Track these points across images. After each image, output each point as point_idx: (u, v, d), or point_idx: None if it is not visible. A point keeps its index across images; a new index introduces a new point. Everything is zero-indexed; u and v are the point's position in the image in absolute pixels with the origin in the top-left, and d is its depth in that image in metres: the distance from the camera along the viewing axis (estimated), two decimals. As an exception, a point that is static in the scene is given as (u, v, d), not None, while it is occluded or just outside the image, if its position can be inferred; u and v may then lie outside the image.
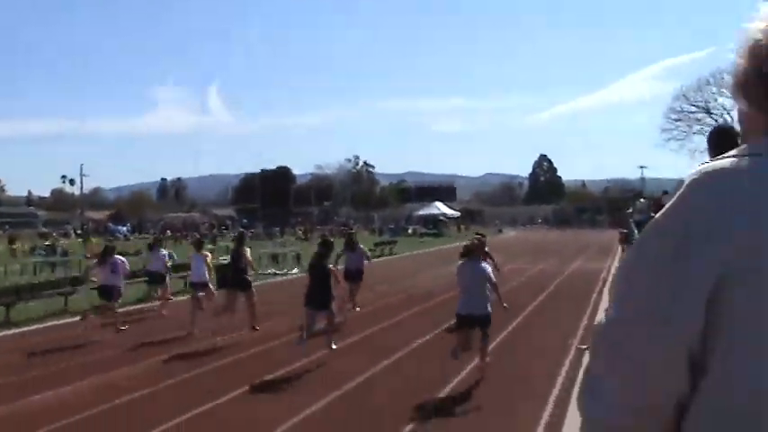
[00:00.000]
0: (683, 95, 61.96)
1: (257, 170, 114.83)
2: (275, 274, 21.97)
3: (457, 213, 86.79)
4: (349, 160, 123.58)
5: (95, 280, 14.64)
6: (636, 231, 14.35)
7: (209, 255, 15.67)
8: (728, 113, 59.84)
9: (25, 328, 14.30)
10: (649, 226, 1.19)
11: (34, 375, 10.01)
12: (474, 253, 9.72)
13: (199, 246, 15.41)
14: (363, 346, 11.97)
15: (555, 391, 8.61)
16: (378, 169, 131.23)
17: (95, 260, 15.44)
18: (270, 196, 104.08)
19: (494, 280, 9.60)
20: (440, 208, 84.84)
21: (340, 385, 9.02)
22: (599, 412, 1.23)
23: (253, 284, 13.77)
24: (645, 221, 6.00)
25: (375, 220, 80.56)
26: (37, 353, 11.64)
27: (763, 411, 1.08)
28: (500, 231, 73.57)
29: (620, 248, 28.78)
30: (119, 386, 9.22)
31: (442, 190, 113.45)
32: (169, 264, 17.20)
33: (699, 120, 59.84)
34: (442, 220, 77.05)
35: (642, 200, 22.99)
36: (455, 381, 9.21)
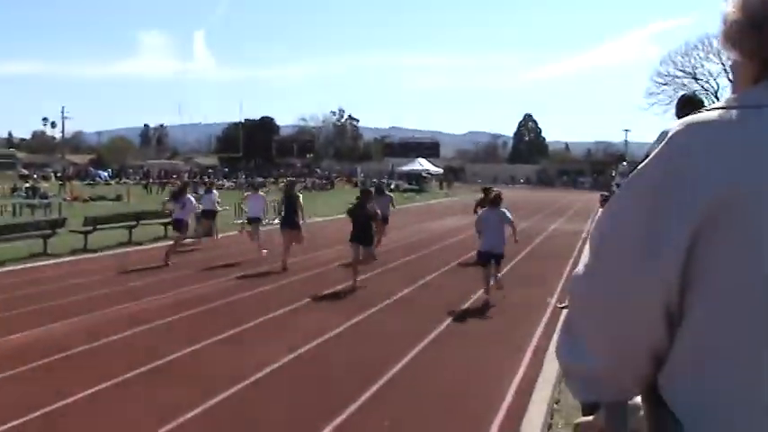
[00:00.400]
0: (671, 60, 62.02)
1: (241, 120, 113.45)
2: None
3: (440, 170, 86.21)
4: (334, 113, 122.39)
5: (168, 212, 17.99)
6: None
7: (265, 195, 19.76)
8: (715, 79, 59.96)
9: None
10: (632, 175, 1.18)
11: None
12: (497, 201, 11.72)
13: (256, 188, 19.00)
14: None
15: (530, 348, 8.75)
16: (362, 123, 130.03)
17: (168, 197, 18.36)
18: (253, 147, 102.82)
19: (512, 220, 11.82)
20: (423, 164, 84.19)
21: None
22: (577, 359, 1.24)
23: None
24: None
25: (358, 173, 79.81)
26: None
27: (740, 366, 1.09)
28: (483, 189, 73.15)
29: (600, 211, 28.83)
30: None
31: (426, 146, 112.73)
32: (218, 206, 20.28)
33: (684, 85, 59.87)
34: (424, 177, 76.63)
35: (625, 163, 23.02)
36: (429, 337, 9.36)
